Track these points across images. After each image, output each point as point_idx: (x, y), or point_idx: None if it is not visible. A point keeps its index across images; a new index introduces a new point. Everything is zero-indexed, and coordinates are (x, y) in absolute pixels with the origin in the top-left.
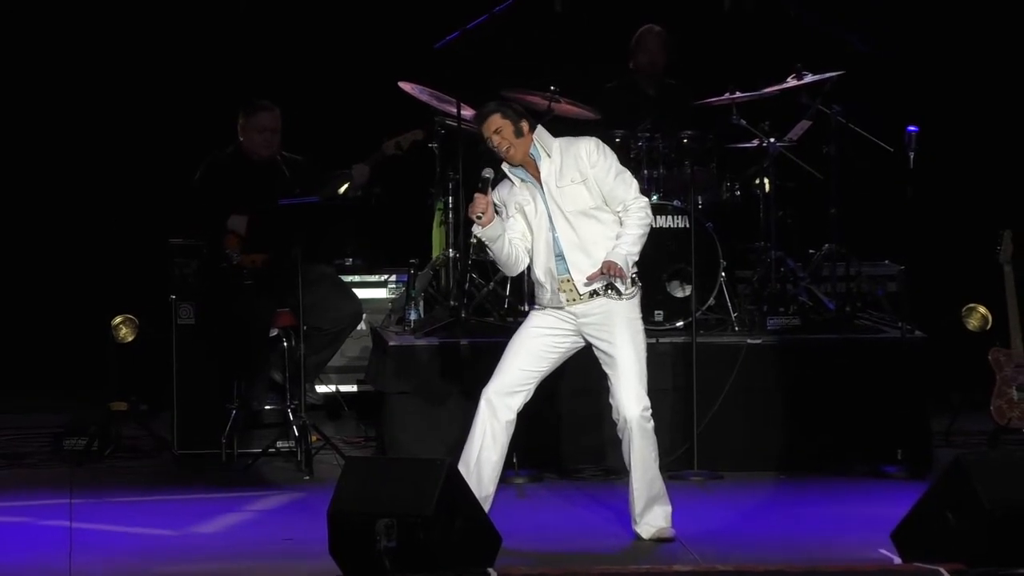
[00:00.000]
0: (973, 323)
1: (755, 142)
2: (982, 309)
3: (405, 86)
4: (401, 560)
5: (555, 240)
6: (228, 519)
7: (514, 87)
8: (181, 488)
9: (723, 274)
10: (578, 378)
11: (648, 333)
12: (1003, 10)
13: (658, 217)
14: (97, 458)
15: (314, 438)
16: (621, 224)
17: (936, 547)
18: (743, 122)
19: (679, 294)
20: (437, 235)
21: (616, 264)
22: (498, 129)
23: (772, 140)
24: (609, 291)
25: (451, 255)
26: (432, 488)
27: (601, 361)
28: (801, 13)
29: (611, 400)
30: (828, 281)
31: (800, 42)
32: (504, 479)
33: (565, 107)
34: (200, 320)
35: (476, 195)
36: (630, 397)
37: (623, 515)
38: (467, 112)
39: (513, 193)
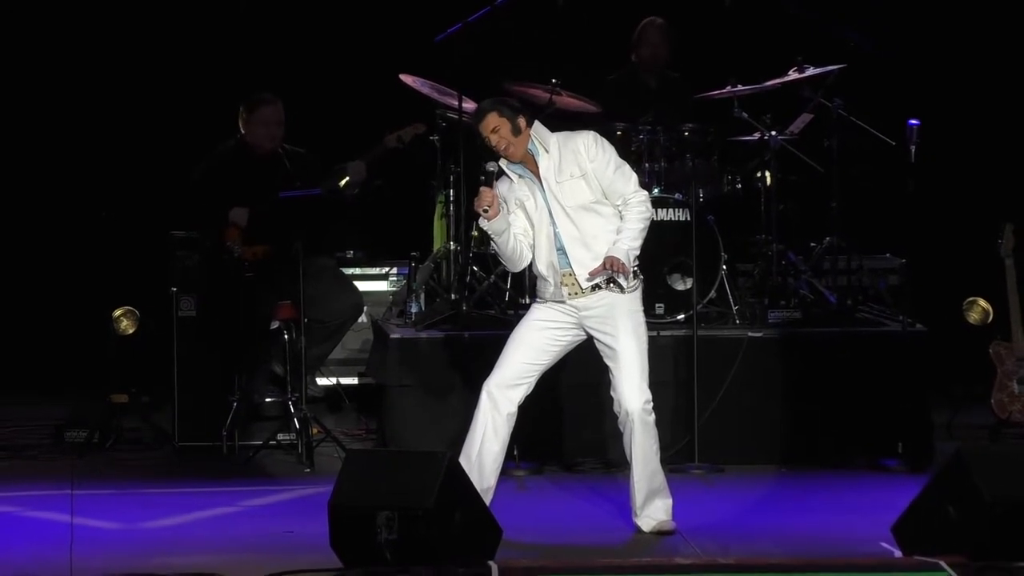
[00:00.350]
0: (974, 316)
1: (756, 135)
2: (983, 302)
3: (406, 79)
4: (402, 553)
5: (556, 235)
6: (229, 511)
7: (515, 80)
8: (182, 480)
9: (724, 267)
10: (579, 371)
11: (649, 326)
12: (1004, 4)
13: (659, 210)
14: (98, 450)
15: (315, 431)
16: (621, 218)
17: (937, 540)
18: (744, 115)
19: (680, 287)
20: (438, 228)
21: (618, 260)
22: (496, 128)
23: (773, 133)
24: (611, 285)
25: (452, 248)
26: (433, 481)
27: (603, 354)
28: (801, 12)
29: (612, 393)
30: (829, 274)
31: (801, 35)
32: (505, 472)
33: (566, 100)
34: (201, 312)
35: (482, 188)
36: (631, 390)
37: (624, 508)
38: (468, 105)
39: (512, 189)
